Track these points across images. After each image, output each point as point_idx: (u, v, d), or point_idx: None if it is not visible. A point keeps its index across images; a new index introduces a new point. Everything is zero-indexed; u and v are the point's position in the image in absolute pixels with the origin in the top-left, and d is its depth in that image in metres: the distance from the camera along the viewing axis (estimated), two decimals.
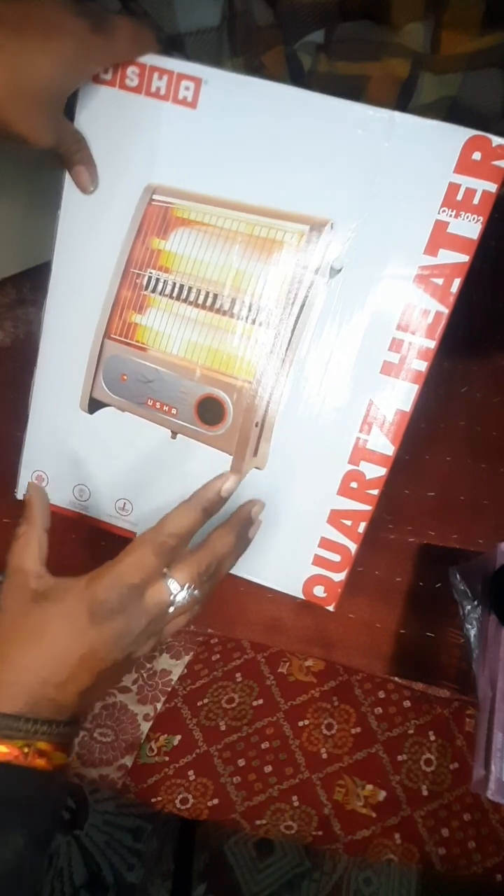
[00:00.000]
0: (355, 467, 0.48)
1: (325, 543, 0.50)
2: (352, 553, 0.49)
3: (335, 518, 0.49)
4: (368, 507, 0.48)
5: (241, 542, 0.43)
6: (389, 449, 0.47)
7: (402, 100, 0.54)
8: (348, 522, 0.49)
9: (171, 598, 0.39)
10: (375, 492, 0.48)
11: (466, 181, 0.42)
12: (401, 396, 0.46)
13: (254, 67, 0.54)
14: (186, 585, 0.39)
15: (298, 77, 0.55)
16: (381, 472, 0.48)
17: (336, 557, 0.50)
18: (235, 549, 0.43)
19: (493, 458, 0.59)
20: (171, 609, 0.39)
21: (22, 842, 0.35)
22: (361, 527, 0.49)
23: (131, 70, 0.45)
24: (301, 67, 0.54)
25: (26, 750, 0.35)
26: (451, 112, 0.55)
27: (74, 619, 0.37)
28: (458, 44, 0.51)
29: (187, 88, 0.45)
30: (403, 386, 0.46)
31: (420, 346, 0.45)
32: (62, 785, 0.38)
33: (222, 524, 0.43)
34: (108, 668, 0.38)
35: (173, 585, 0.39)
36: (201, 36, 0.52)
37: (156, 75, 0.45)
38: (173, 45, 0.52)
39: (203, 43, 0.53)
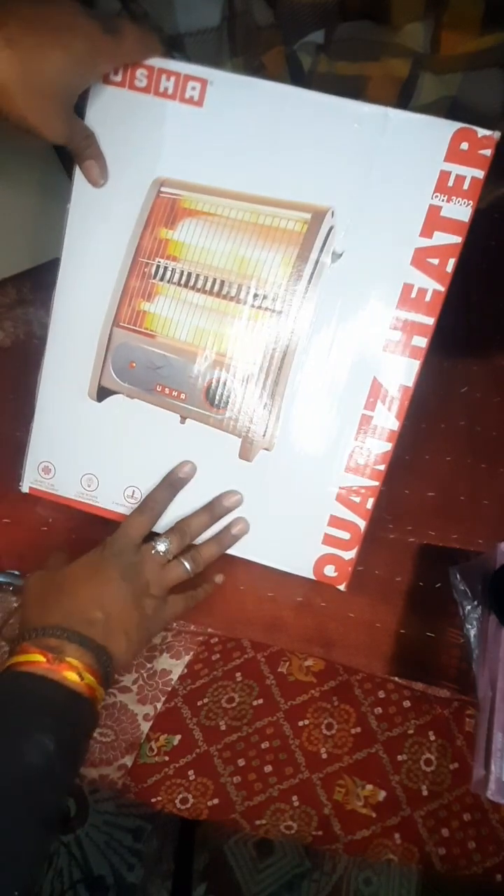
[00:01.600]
0: (362, 443, 0.49)
1: (335, 521, 0.51)
2: (361, 530, 0.50)
3: (344, 495, 0.50)
4: (376, 483, 0.50)
5: (223, 534, 0.52)
6: (394, 424, 0.49)
7: (402, 100, 0.55)
8: (357, 499, 0.50)
9: (154, 546, 0.49)
10: (382, 467, 0.49)
11: (456, 169, 0.45)
12: (403, 372, 0.48)
13: (254, 67, 0.54)
14: (163, 541, 0.49)
15: (298, 77, 0.55)
16: (386, 447, 0.49)
17: (346, 535, 0.51)
18: (214, 533, 0.52)
19: (493, 458, 0.59)
20: (161, 554, 0.49)
21: (51, 747, 0.39)
22: (370, 503, 0.50)
23: (140, 72, 0.47)
24: (301, 67, 0.54)
25: (56, 657, 0.42)
26: (451, 112, 0.55)
27: (91, 558, 0.48)
28: (458, 44, 0.51)
29: (194, 88, 0.47)
30: (405, 362, 0.48)
31: (420, 322, 0.47)
32: (92, 709, 0.43)
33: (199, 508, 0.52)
34: (119, 600, 0.46)
35: (158, 540, 0.50)
36: (201, 36, 0.53)
37: (164, 76, 0.47)
38: (173, 46, 0.52)
39: (203, 43, 0.53)
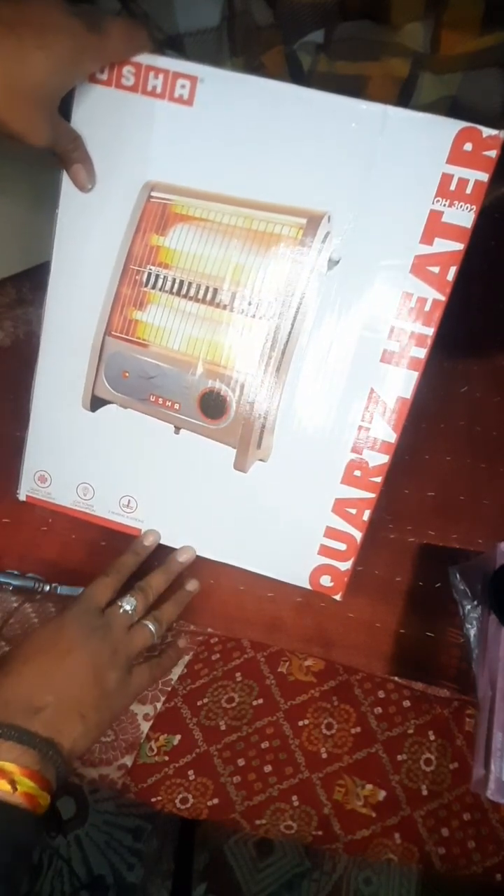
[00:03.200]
0: (358, 455, 0.48)
1: (331, 533, 0.50)
2: (357, 541, 0.50)
3: (340, 507, 0.50)
4: (372, 495, 0.49)
5: (179, 594, 0.52)
6: (391, 436, 0.48)
7: (402, 99, 0.55)
8: (353, 511, 0.49)
9: (121, 605, 0.48)
10: (379, 479, 0.49)
11: (459, 171, 0.43)
12: (401, 383, 0.47)
13: (254, 67, 0.54)
14: (129, 600, 0.48)
15: (298, 77, 0.55)
16: (383, 459, 0.48)
17: (342, 546, 0.50)
18: (173, 593, 0.52)
19: (493, 458, 0.59)
20: (129, 614, 0.47)
21: None
22: (366, 515, 0.49)
23: (127, 69, 0.45)
24: (301, 67, 0.54)
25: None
26: (451, 111, 0.55)
27: (50, 626, 0.45)
28: (457, 43, 0.51)
29: (183, 86, 0.45)
30: (403, 373, 0.47)
31: (419, 333, 0.46)
32: (33, 820, 0.37)
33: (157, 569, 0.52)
34: (78, 675, 0.43)
35: (123, 600, 0.48)
36: (201, 36, 0.52)
37: (152, 74, 0.45)
38: (173, 46, 0.52)
39: (203, 43, 0.53)
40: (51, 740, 0.40)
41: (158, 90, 0.45)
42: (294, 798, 0.49)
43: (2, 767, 0.37)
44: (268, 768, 0.49)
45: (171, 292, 0.49)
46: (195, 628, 0.54)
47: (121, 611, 0.47)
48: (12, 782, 0.37)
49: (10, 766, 0.37)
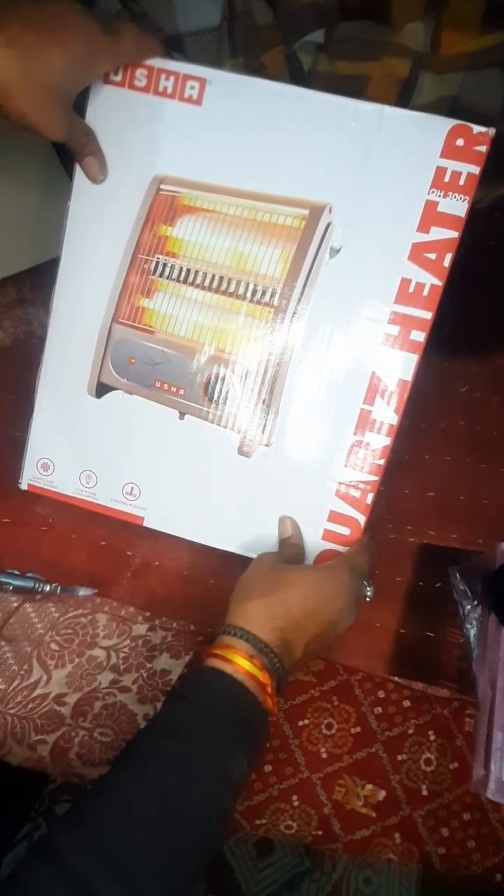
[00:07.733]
0: (361, 438, 0.49)
1: (335, 517, 0.51)
2: (361, 525, 0.51)
3: (343, 491, 0.50)
4: (376, 478, 0.50)
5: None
6: (393, 418, 0.49)
7: (403, 99, 0.55)
8: (356, 494, 0.50)
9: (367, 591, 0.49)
10: (382, 461, 0.50)
11: (452, 165, 0.45)
12: (401, 366, 0.48)
13: (254, 67, 0.54)
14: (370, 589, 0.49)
15: (298, 77, 0.55)
16: (386, 441, 0.49)
17: (346, 531, 0.51)
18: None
19: (493, 458, 0.59)
20: (367, 600, 0.48)
21: (245, 768, 0.39)
22: (369, 498, 0.50)
23: (140, 72, 0.48)
24: (301, 67, 0.54)
25: (272, 684, 0.41)
26: (452, 111, 0.55)
27: (335, 579, 0.46)
28: (458, 43, 0.51)
29: (192, 88, 0.47)
30: (403, 356, 0.48)
31: (418, 317, 0.47)
32: (263, 713, 0.42)
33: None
34: (322, 622, 0.45)
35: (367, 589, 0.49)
36: (201, 36, 0.53)
37: (163, 76, 0.47)
38: (173, 46, 0.53)
39: (203, 43, 0.53)
40: (279, 656, 0.43)
41: (169, 91, 0.48)
42: (294, 798, 0.49)
43: (241, 664, 0.41)
44: (268, 768, 0.49)
45: (177, 280, 0.50)
46: (195, 628, 0.54)
47: (367, 598, 0.49)
48: (252, 676, 0.41)
49: (247, 665, 0.41)
